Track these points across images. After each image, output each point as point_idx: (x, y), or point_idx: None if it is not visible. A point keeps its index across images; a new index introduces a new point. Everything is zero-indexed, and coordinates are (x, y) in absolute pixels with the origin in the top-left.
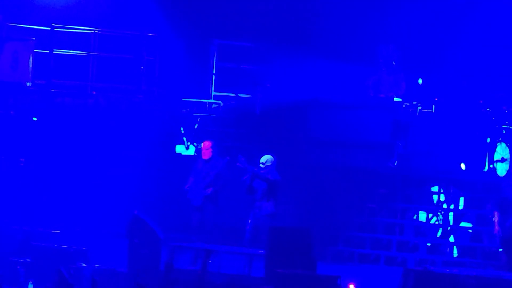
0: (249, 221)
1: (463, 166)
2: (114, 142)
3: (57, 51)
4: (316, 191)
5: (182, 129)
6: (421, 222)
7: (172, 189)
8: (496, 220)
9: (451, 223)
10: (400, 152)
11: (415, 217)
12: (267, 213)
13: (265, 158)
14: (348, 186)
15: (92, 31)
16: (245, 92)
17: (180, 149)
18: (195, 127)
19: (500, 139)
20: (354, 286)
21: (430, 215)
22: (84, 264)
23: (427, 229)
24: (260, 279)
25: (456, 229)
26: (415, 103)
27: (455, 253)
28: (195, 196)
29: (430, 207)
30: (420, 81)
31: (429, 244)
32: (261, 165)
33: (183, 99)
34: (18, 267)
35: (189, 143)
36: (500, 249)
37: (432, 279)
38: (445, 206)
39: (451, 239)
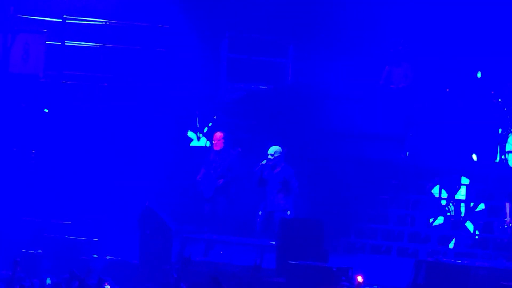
0: (260, 213)
1: (474, 157)
2: (126, 134)
3: (68, 43)
4: (328, 182)
5: (197, 120)
6: (433, 213)
7: (184, 181)
8: (508, 211)
9: (462, 214)
10: (412, 143)
11: (426, 208)
12: (279, 208)
13: (274, 149)
14: (360, 177)
15: (104, 23)
16: (257, 83)
17: (192, 140)
18: (209, 125)
19: None
20: (362, 278)
21: (442, 206)
22: (95, 256)
23: (439, 220)
24: (271, 270)
25: (467, 220)
26: (426, 94)
27: (467, 244)
28: (206, 187)
29: (441, 198)
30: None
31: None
32: (269, 157)
33: (194, 91)
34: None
35: (201, 135)
36: None
37: (444, 270)
38: (456, 197)
39: (463, 230)
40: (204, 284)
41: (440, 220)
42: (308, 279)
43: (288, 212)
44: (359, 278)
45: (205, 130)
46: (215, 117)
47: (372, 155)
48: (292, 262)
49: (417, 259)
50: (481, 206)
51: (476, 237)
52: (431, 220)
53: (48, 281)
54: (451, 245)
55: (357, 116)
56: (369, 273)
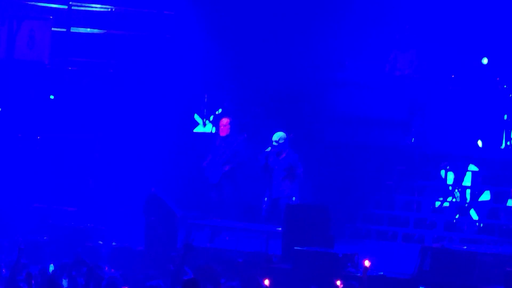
0: (265, 199)
1: (480, 143)
2: (132, 120)
3: (74, 30)
4: (334, 168)
5: (205, 108)
6: (439, 199)
7: (190, 167)
8: None
9: (468, 200)
10: (418, 129)
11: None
12: (285, 194)
13: (278, 136)
14: (366, 163)
15: (109, 9)
16: (262, 69)
17: (198, 127)
18: (217, 112)
19: None
20: (369, 262)
21: (447, 192)
22: (101, 242)
23: (445, 206)
24: (277, 256)
25: (473, 207)
26: (431, 80)
27: (473, 230)
28: (212, 173)
29: (447, 184)
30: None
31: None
32: (274, 143)
33: (200, 77)
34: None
35: (206, 121)
36: None
37: (450, 257)
38: (462, 183)
39: (469, 216)
40: (208, 270)
41: (445, 205)
42: (314, 265)
43: (294, 198)
44: (366, 263)
45: (212, 117)
46: (220, 110)
47: (377, 141)
48: (298, 248)
49: (423, 245)
50: (487, 193)
51: (481, 224)
52: (437, 205)
53: (51, 267)
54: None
55: (363, 102)
56: (375, 259)
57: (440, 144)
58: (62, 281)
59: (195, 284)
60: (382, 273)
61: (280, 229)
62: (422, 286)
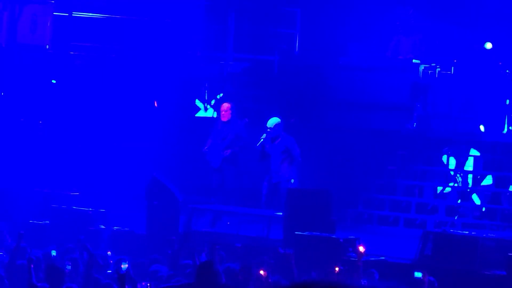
0: (265, 184)
1: (482, 128)
2: (134, 104)
3: (76, 14)
4: (336, 152)
5: (206, 92)
6: (440, 184)
7: (191, 151)
8: None
9: (470, 185)
10: (420, 114)
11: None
12: (284, 178)
13: (272, 121)
14: (368, 148)
15: None
16: (264, 53)
17: (199, 109)
18: (219, 96)
19: None
20: (364, 248)
21: (449, 177)
22: (102, 226)
23: (447, 191)
24: (278, 241)
25: (475, 191)
26: (434, 64)
27: (475, 215)
28: (214, 158)
29: (449, 168)
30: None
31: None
32: (268, 130)
33: (202, 61)
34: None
35: (208, 105)
36: None
37: (451, 241)
38: (464, 167)
39: (470, 201)
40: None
41: (447, 190)
42: (315, 250)
43: (292, 181)
44: (361, 249)
45: (213, 102)
46: (221, 94)
47: (379, 125)
48: (299, 233)
49: (424, 230)
50: (489, 177)
51: (483, 209)
52: (439, 190)
53: (54, 253)
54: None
55: (365, 86)
56: (376, 244)
57: (442, 129)
58: (65, 266)
59: (211, 266)
60: (383, 257)
61: (281, 213)
62: (419, 271)
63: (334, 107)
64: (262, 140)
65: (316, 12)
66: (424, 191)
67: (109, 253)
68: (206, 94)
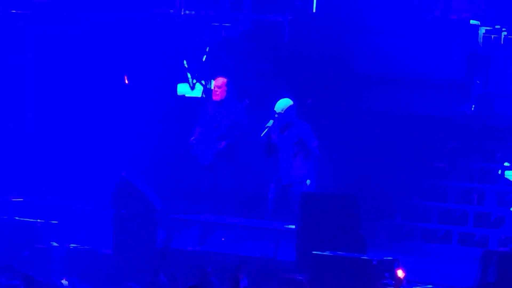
0: (272, 187)
1: None
2: (96, 80)
3: None
4: (364, 145)
5: (185, 62)
6: (507, 187)
7: (173, 143)
8: None
9: None
10: (479, 93)
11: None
12: (297, 178)
13: (282, 104)
14: (408, 138)
15: None
16: (272, 12)
17: (183, 89)
18: (203, 59)
19: None
20: (403, 273)
21: None
22: (55, 244)
23: None
24: (289, 263)
25: None
26: (498, 27)
27: None
28: (203, 151)
29: None
30: None
31: None
32: (276, 115)
33: (188, 22)
34: None
35: (195, 81)
36: None
37: None
38: None
39: None
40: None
41: None
42: (338, 275)
43: (308, 182)
44: (400, 273)
45: (203, 78)
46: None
47: (423, 108)
48: (318, 252)
49: (485, 249)
50: None
51: None
52: (505, 195)
53: None
54: None
55: (404, 56)
56: (421, 268)
57: (509, 113)
58: None
59: None
60: (431, 286)
61: (293, 226)
62: None
63: (362, 85)
64: (267, 129)
65: None
66: (485, 196)
67: (64, 281)
68: (192, 66)
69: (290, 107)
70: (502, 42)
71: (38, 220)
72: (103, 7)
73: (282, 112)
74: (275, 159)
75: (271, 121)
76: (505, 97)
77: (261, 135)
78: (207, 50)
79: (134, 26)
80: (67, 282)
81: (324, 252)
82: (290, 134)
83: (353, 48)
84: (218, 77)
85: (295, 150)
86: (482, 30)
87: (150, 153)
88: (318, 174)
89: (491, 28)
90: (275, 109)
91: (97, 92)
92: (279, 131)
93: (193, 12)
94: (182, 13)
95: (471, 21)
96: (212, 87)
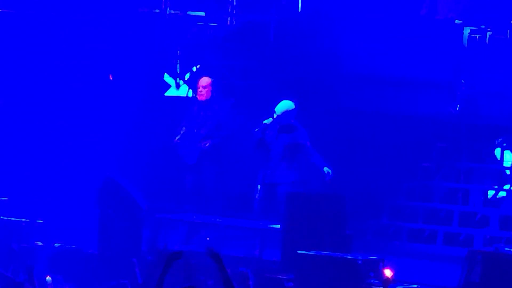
0: (259, 186)
1: None
2: (80, 78)
3: None
4: (351, 144)
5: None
6: (492, 186)
7: (158, 142)
8: None
9: None
10: (465, 93)
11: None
12: (285, 179)
13: (283, 106)
14: (395, 138)
15: None
16: (257, 12)
17: (168, 88)
18: (195, 69)
19: None
20: (392, 272)
21: (504, 177)
22: (39, 243)
23: (500, 197)
24: (275, 263)
25: None
26: (483, 27)
27: None
28: (188, 151)
29: (504, 166)
30: None
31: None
32: (274, 115)
33: (173, 21)
34: None
35: (180, 80)
36: None
37: (506, 264)
38: None
39: None
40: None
41: (501, 195)
42: (324, 274)
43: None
44: (388, 273)
45: (187, 76)
46: (198, 66)
47: (409, 108)
48: (303, 252)
49: (470, 249)
50: None
51: None
52: (490, 195)
53: None
54: None
55: (391, 55)
56: (407, 267)
57: (495, 113)
58: None
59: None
60: (417, 286)
61: (278, 226)
62: None
63: (350, 84)
64: (264, 124)
65: None
66: (470, 196)
67: (48, 278)
68: (178, 65)
69: (289, 110)
70: (487, 42)
71: (23, 219)
72: (88, 7)
73: (281, 114)
74: (262, 158)
75: (270, 119)
76: (491, 97)
77: (256, 130)
78: (192, 49)
79: (119, 25)
80: (50, 279)
81: (309, 251)
82: (284, 136)
83: (338, 47)
84: (203, 77)
85: (285, 152)
86: (467, 30)
87: (135, 153)
88: (305, 173)
89: (476, 28)
90: (275, 109)
91: (82, 92)
92: (275, 130)
93: (178, 11)
94: (168, 13)
95: (456, 21)
96: (197, 87)
